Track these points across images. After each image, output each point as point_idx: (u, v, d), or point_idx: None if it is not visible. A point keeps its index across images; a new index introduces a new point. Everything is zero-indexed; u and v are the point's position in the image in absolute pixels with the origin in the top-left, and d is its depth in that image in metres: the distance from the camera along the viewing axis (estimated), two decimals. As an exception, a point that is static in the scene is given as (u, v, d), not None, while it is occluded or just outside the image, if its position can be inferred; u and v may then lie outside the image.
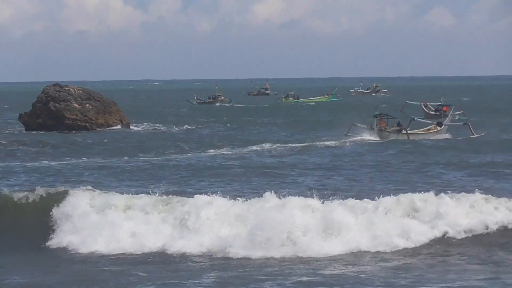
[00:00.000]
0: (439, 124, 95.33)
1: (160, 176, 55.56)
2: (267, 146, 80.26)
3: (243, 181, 52.67)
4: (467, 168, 62.09)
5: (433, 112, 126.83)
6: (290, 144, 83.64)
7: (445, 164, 64.62)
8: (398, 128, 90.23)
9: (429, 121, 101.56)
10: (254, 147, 79.99)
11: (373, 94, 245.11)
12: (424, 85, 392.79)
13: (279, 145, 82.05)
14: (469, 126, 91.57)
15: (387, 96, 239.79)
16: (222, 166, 63.87)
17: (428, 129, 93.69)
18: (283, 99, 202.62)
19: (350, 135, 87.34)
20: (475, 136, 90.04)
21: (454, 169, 61.68)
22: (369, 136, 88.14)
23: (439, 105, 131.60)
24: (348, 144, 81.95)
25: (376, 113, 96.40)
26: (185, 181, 53.26)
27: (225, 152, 75.10)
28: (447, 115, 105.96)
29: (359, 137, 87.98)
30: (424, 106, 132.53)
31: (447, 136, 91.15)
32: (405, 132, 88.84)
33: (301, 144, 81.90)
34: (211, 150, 75.83)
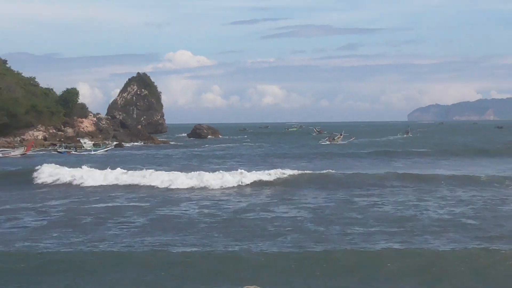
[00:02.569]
0: (340, 135, 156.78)
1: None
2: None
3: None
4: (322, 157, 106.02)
5: (317, 133, 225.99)
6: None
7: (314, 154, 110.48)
8: (333, 140, 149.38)
9: (336, 133, 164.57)
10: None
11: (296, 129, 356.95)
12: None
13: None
14: (340, 135, 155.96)
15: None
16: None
17: (338, 137, 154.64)
18: (287, 129, 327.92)
19: (321, 144, 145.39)
20: (353, 139, 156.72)
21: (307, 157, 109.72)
22: (324, 143, 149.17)
23: (319, 129, 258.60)
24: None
25: (327, 135, 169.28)
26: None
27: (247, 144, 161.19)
28: (323, 133, 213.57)
29: (322, 143, 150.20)
30: (315, 129, 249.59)
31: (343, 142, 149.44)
32: (336, 141, 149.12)
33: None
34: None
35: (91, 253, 29.74)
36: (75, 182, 63.94)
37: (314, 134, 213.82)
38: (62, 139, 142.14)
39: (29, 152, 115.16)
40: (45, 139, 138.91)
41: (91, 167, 71.34)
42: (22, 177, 68.91)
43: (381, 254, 28.61)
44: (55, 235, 35.55)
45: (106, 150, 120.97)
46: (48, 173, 68.14)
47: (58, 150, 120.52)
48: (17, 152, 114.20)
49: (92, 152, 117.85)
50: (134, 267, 27.20)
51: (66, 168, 69.61)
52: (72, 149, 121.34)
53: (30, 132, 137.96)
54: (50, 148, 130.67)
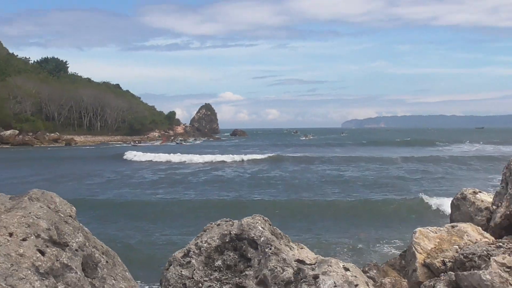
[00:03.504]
0: (311, 135, 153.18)
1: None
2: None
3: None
4: (293, 146, 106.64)
5: (294, 133, 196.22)
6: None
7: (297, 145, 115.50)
8: (306, 137, 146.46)
9: (308, 133, 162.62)
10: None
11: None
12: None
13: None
14: (311, 135, 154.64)
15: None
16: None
17: (309, 136, 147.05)
18: (283, 132, 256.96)
19: (301, 139, 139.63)
20: (316, 137, 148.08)
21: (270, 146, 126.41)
22: (302, 138, 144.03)
23: (295, 131, 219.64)
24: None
25: (302, 134, 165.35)
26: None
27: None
28: (297, 133, 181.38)
29: (301, 138, 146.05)
30: (293, 131, 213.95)
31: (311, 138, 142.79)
32: (308, 137, 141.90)
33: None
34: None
35: (185, 200, 28.90)
36: (155, 160, 60.76)
37: (292, 133, 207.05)
38: (171, 137, 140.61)
39: (164, 143, 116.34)
40: (158, 137, 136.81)
41: (187, 152, 69.17)
42: (121, 156, 65.75)
43: (327, 201, 27.96)
44: (162, 185, 35.81)
45: (196, 142, 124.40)
46: (132, 155, 64.95)
47: (176, 142, 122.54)
48: (158, 142, 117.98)
49: (191, 143, 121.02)
50: (205, 207, 26.27)
51: (142, 153, 66.92)
52: (182, 141, 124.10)
53: (151, 133, 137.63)
54: (160, 141, 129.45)
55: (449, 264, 6.28)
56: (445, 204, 21.95)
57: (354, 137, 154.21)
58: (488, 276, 3.80)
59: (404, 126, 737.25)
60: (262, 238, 3.48)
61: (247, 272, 3.38)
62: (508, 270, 3.78)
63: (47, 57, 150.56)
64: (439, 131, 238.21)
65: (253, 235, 3.48)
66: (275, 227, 3.66)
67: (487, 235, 7.69)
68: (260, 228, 3.52)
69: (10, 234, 1.97)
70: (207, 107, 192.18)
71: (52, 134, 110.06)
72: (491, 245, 6.25)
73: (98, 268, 2.27)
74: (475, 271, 3.87)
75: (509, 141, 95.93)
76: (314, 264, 3.39)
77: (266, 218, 3.63)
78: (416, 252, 6.90)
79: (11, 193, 2.47)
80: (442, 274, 4.94)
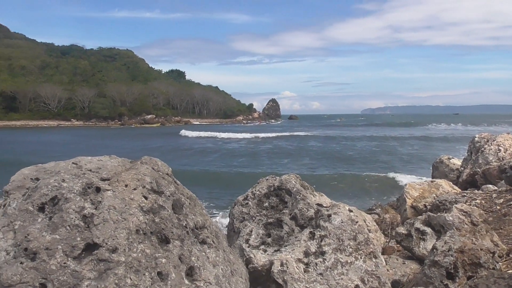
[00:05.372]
0: (341, 118, 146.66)
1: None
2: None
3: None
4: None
5: (327, 117, 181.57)
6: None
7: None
8: (339, 119, 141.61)
9: (341, 117, 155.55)
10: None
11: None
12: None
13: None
14: (343, 118, 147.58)
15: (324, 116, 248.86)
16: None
17: (340, 119, 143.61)
18: (325, 117, 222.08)
19: (337, 120, 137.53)
20: (345, 119, 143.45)
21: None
22: (336, 121, 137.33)
23: (327, 116, 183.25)
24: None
25: (336, 117, 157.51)
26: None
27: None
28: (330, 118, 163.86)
29: (337, 120, 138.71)
30: (332, 117, 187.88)
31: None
32: (341, 119, 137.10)
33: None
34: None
35: (233, 172, 22.97)
36: (212, 135, 51.49)
37: (327, 118, 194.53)
38: (249, 120, 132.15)
39: (260, 123, 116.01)
40: (243, 120, 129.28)
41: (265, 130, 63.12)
42: (177, 133, 56.43)
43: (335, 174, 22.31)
44: (243, 157, 29.96)
45: (277, 123, 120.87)
46: (187, 133, 54.17)
47: (266, 122, 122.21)
48: (257, 123, 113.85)
49: (273, 123, 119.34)
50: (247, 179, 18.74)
51: (206, 132, 55.37)
52: (269, 122, 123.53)
53: (238, 117, 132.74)
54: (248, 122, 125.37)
55: (428, 207, 6.06)
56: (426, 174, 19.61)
57: (369, 120, 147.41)
58: (450, 218, 3.64)
59: (403, 112, 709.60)
60: (294, 189, 3.44)
61: (284, 211, 3.35)
62: (465, 214, 3.63)
63: (173, 69, 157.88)
64: (427, 116, 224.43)
65: (289, 187, 3.44)
66: (303, 181, 3.58)
67: (456, 188, 7.36)
68: (293, 182, 3.47)
69: (126, 185, 2.03)
70: (273, 101, 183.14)
71: (176, 117, 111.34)
72: (458, 195, 6.02)
73: (183, 208, 2.27)
74: (441, 213, 3.73)
75: (475, 123, 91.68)
76: (329, 206, 3.30)
77: (297, 175, 3.57)
78: (406, 198, 6.71)
79: (135, 157, 2.41)
80: (424, 213, 4.73)
